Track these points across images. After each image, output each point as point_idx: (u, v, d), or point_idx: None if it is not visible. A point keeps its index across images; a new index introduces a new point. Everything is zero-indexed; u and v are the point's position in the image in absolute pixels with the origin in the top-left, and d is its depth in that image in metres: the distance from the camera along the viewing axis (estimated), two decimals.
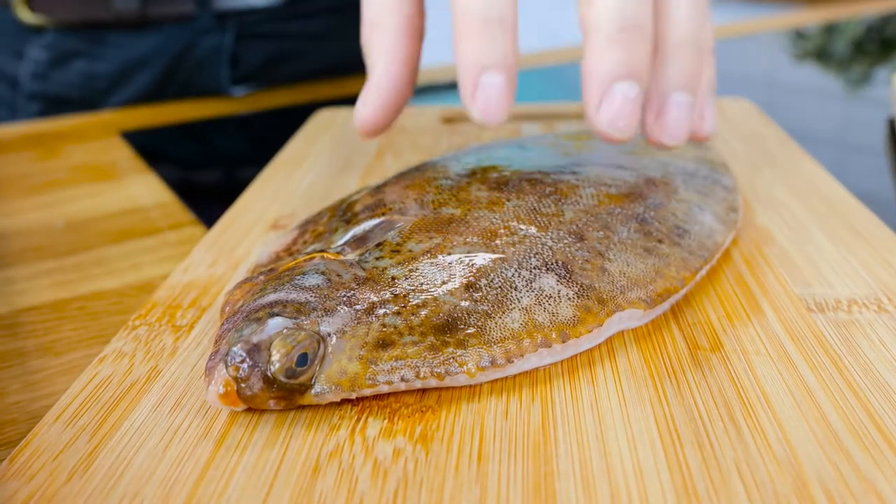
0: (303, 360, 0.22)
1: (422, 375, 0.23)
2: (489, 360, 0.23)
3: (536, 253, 0.26)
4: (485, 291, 0.25)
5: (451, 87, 0.73)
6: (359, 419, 0.22)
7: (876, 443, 0.21)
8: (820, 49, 0.85)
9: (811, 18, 0.97)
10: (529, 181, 0.30)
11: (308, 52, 0.73)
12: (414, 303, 0.24)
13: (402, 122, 0.51)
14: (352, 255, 0.26)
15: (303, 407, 0.23)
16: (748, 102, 0.53)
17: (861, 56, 0.81)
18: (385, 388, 0.23)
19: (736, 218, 0.32)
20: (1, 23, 0.65)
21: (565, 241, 0.27)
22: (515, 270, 0.25)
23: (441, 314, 0.24)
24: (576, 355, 0.25)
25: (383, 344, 0.23)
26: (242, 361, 0.22)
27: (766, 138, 0.45)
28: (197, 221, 0.42)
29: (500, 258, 0.26)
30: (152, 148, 0.56)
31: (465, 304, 0.24)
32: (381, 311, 0.24)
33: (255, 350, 0.22)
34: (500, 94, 0.26)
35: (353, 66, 0.76)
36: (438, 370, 0.23)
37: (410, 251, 0.26)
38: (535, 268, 0.26)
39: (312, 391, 0.22)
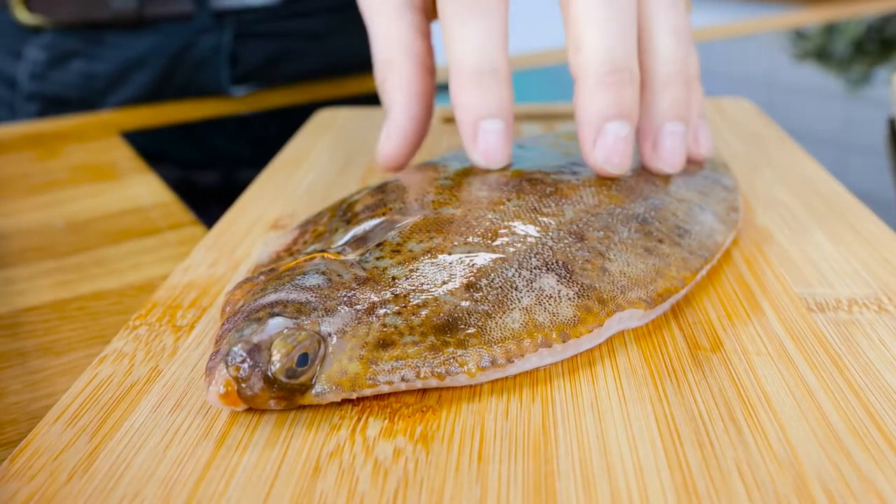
0: (303, 360, 0.22)
1: (422, 375, 0.23)
2: (490, 360, 0.23)
3: (537, 253, 0.26)
4: (485, 291, 0.25)
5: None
6: (359, 419, 0.22)
7: (876, 443, 0.21)
8: (820, 49, 0.85)
9: (811, 18, 0.97)
10: (530, 181, 0.30)
11: (307, 52, 0.73)
12: (414, 303, 0.24)
13: None
14: (352, 255, 0.26)
15: (303, 407, 0.23)
16: (748, 102, 0.53)
17: (861, 56, 0.81)
18: (385, 388, 0.23)
19: (736, 218, 0.32)
20: None
21: (566, 240, 0.27)
22: (516, 270, 0.25)
23: (441, 314, 0.24)
24: (576, 355, 0.25)
25: (384, 344, 0.23)
26: (243, 361, 0.22)
27: (766, 138, 0.45)
28: (197, 221, 0.42)
29: (501, 258, 0.26)
30: (152, 148, 0.56)
31: (465, 304, 0.24)
32: (382, 311, 0.24)
33: (255, 350, 0.22)
34: (500, 138, 0.29)
35: (353, 66, 0.76)
36: (439, 370, 0.23)
37: (411, 251, 0.26)
38: (535, 268, 0.26)
39: (313, 391, 0.22)
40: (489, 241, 0.26)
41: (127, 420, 0.23)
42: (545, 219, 0.27)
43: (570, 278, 0.25)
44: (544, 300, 0.25)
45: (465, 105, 0.28)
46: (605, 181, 0.30)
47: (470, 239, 0.26)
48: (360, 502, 0.19)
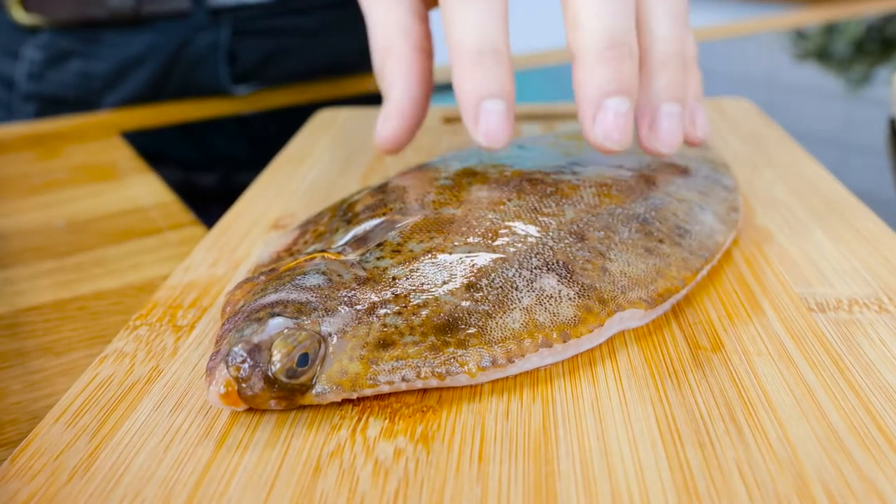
0: (304, 360, 0.22)
1: (423, 375, 0.23)
2: (490, 359, 0.23)
3: (537, 253, 0.26)
4: (485, 291, 0.25)
5: (451, 87, 0.73)
6: (360, 419, 0.22)
7: (877, 442, 0.21)
8: (820, 49, 0.85)
9: (811, 18, 0.97)
10: (530, 181, 0.30)
11: (305, 49, 0.73)
12: (415, 303, 0.24)
13: None
14: (353, 255, 0.26)
15: (304, 407, 0.23)
16: (748, 102, 0.53)
17: (861, 56, 0.81)
18: (386, 388, 0.23)
19: (737, 218, 0.32)
20: None
21: (566, 241, 0.27)
22: (516, 270, 0.25)
23: (442, 314, 0.24)
24: (577, 355, 0.25)
25: (384, 344, 0.23)
26: (243, 361, 0.22)
27: (766, 138, 0.45)
28: (197, 221, 0.42)
29: (501, 258, 0.26)
30: (152, 148, 0.56)
31: (465, 303, 0.24)
32: (382, 311, 0.24)
33: (256, 350, 0.22)
34: (501, 118, 0.28)
35: (351, 64, 0.76)
36: (439, 370, 0.23)
37: (411, 251, 0.26)
38: (535, 268, 0.26)
39: (313, 391, 0.22)
40: (490, 241, 0.26)
41: (127, 420, 0.23)
42: (545, 219, 0.27)
43: (571, 278, 0.25)
44: (545, 300, 0.25)
45: (466, 86, 0.28)
46: (605, 181, 0.30)
47: (470, 239, 0.26)
48: (360, 502, 0.19)
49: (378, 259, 0.26)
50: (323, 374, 0.22)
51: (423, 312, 0.24)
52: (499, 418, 0.22)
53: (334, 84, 0.73)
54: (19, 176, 0.50)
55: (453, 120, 0.52)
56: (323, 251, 0.27)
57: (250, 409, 0.23)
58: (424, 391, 0.23)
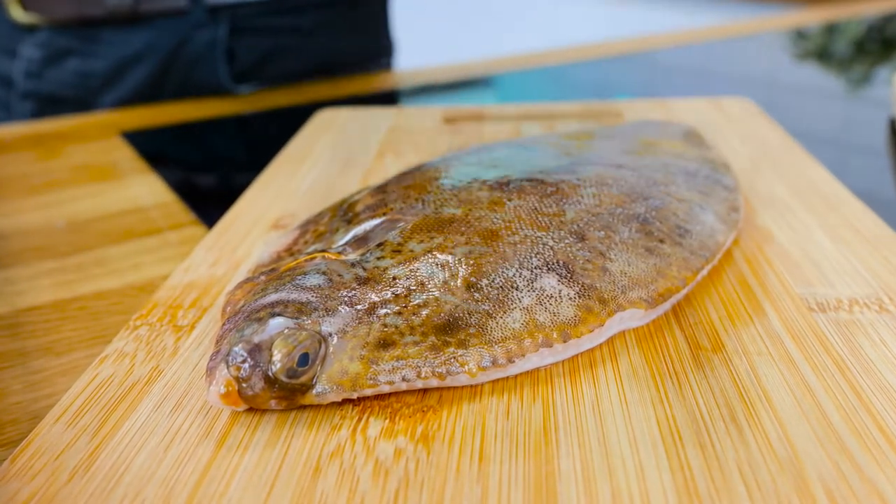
0: (304, 359, 0.22)
1: (423, 375, 0.23)
2: (490, 359, 0.23)
3: (538, 253, 0.26)
4: (486, 291, 0.25)
5: (451, 87, 0.73)
6: (360, 419, 0.22)
7: (877, 442, 0.21)
8: (821, 49, 0.85)
9: (812, 18, 0.97)
10: (530, 181, 0.30)
11: (304, 48, 0.73)
12: (415, 303, 0.24)
13: (403, 122, 0.51)
14: (353, 255, 0.26)
15: (304, 407, 0.23)
16: (749, 102, 0.53)
17: (862, 56, 0.81)
18: (386, 388, 0.23)
19: (737, 218, 0.32)
20: None
21: (566, 240, 0.27)
22: (517, 270, 0.25)
23: (442, 314, 0.24)
24: (577, 355, 0.25)
25: (384, 344, 0.23)
26: (244, 361, 0.22)
27: (766, 138, 0.45)
28: (198, 221, 0.42)
29: (502, 258, 0.26)
30: (153, 148, 0.56)
31: (466, 303, 0.24)
32: (383, 311, 0.24)
33: (256, 350, 0.22)
34: None
35: (352, 64, 0.76)
36: (440, 370, 0.23)
37: (412, 251, 0.26)
38: (536, 267, 0.26)
39: (314, 391, 0.22)
40: (490, 241, 0.26)
41: (128, 420, 0.23)
42: (546, 219, 0.27)
43: (571, 278, 0.25)
44: (545, 300, 0.25)
45: None
46: (605, 181, 0.30)
47: (470, 239, 0.26)
48: (360, 502, 0.19)
49: (378, 259, 0.26)
50: (323, 374, 0.22)
51: (424, 312, 0.24)
52: (499, 418, 0.22)
53: (334, 84, 0.73)
54: (19, 176, 0.50)
55: (454, 120, 0.52)
56: (323, 251, 0.27)
57: (251, 409, 0.23)
58: (425, 391, 0.23)
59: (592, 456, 0.20)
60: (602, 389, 0.23)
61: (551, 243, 0.26)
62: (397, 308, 0.24)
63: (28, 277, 0.36)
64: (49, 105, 0.67)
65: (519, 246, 0.26)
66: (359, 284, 0.25)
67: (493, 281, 0.25)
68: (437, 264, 0.25)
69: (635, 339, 0.26)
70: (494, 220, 0.27)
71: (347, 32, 0.74)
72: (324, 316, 0.23)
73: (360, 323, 0.23)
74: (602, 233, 0.28)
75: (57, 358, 0.30)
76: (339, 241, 0.28)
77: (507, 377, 0.24)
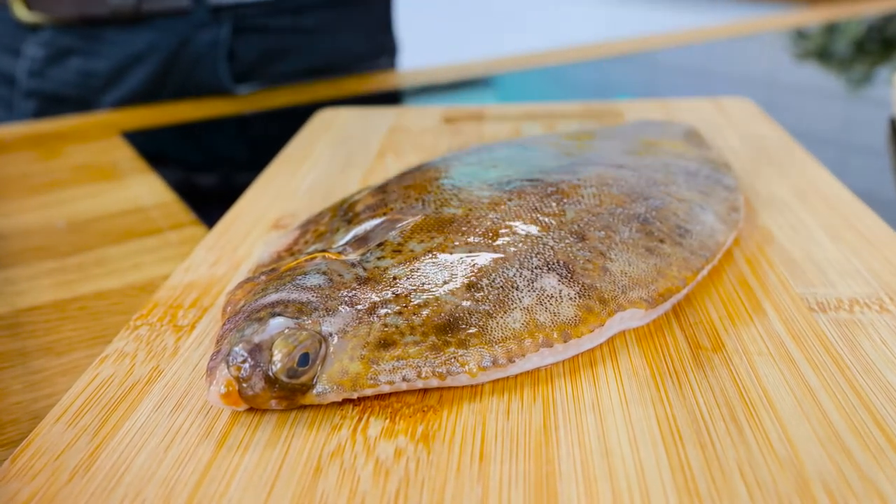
0: (304, 359, 0.22)
1: (423, 375, 0.23)
2: (491, 359, 0.23)
3: (538, 253, 0.26)
4: (486, 291, 0.25)
5: (451, 87, 0.73)
6: (360, 419, 0.22)
7: (878, 442, 0.21)
8: (821, 49, 0.85)
9: (812, 18, 0.97)
10: (531, 181, 0.30)
11: (305, 48, 0.73)
12: (415, 302, 0.24)
13: (404, 122, 0.51)
14: (353, 255, 0.26)
15: (304, 407, 0.23)
16: (749, 102, 0.53)
17: (862, 56, 0.81)
18: (387, 388, 0.23)
19: (737, 218, 0.32)
20: None
21: (567, 240, 0.27)
22: (517, 270, 0.25)
23: (442, 314, 0.24)
24: (577, 355, 0.25)
25: (385, 344, 0.23)
26: (244, 361, 0.22)
27: (767, 138, 0.45)
28: (198, 221, 0.42)
29: (502, 258, 0.26)
30: (153, 148, 0.56)
31: (466, 303, 0.24)
32: (383, 311, 0.24)
33: (256, 350, 0.22)
34: None
35: (353, 64, 0.76)
36: (440, 370, 0.23)
37: (412, 251, 0.26)
38: (536, 267, 0.26)
39: (314, 391, 0.22)
40: (490, 241, 0.26)
41: (128, 420, 0.23)
42: (546, 219, 0.27)
43: (572, 278, 0.25)
44: (545, 300, 0.25)
45: None
46: (605, 181, 0.30)
47: (471, 239, 0.26)
48: (361, 502, 0.19)
49: (379, 259, 0.26)
50: (324, 374, 0.22)
51: (424, 312, 0.24)
52: (499, 418, 0.22)
53: (334, 84, 0.73)
54: (20, 176, 0.50)
55: (454, 120, 0.52)
56: (324, 251, 0.27)
57: (251, 409, 0.23)
58: (425, 391, 0.23)
59: (592, 456, 0.20)
60: (602, 389, 0.23)
61: (552, 243, 0.26)
62: (398, 308, 0.24)
63: (28, 277, 0.36)
64: (51, 104, 0.67)
65: (519, 246, 0.26)
66: (359, 284, 0.25)
67: (493, 281, 0.25)
68: (437, 264, 0.25)
69: (635, 338, 0.26)
70: (495, 219, 0.27)
71: (350, 32, 0.74)
72: (324, 316, 0.23)
73: (360, 323, 0.23)
74: (602, 233, 0.28)
75: (57, 358, 0.30)
76: (340, 241, 0.28)
77: (508, 377, 0.24)
